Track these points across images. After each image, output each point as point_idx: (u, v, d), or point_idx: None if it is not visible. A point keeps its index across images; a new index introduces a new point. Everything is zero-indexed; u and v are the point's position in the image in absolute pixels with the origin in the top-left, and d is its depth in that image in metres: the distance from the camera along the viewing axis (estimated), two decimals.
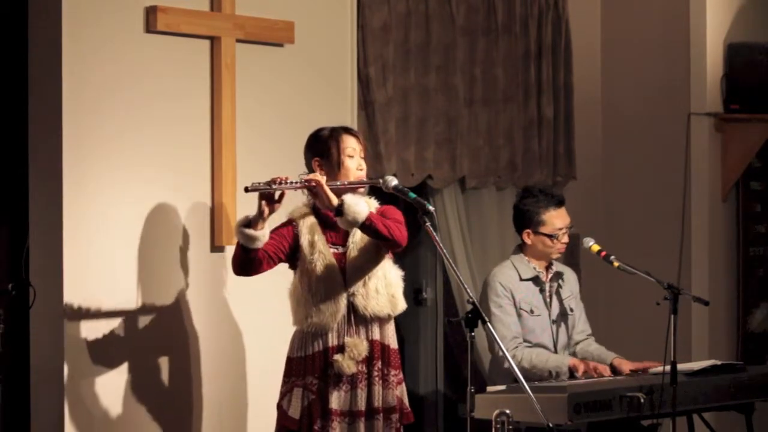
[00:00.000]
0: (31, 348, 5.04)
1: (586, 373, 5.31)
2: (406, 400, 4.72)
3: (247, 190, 4.48)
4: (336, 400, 4.56)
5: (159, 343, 5.13)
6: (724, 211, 6.94)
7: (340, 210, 4.46)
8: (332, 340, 4.59)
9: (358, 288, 4.60)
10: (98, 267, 4.96)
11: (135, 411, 5.05)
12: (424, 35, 6.24)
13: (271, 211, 4.52)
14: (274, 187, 4.47)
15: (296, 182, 4.52)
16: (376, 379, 4.62)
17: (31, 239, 5.04)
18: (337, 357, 4.56)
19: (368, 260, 4.62)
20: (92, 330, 4.94)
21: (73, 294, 4.89)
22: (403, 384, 4.73)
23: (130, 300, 5.04)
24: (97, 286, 4.95)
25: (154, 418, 5.11)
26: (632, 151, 7.07)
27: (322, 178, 4.53)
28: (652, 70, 6.99)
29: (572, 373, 5.35)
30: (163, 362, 5.14)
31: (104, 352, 4.97)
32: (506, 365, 5.22)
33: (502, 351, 4.28)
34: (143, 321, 5.07)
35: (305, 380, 4.60)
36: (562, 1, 6.80)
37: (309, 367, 4.60)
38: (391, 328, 4.71)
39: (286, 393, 4.64)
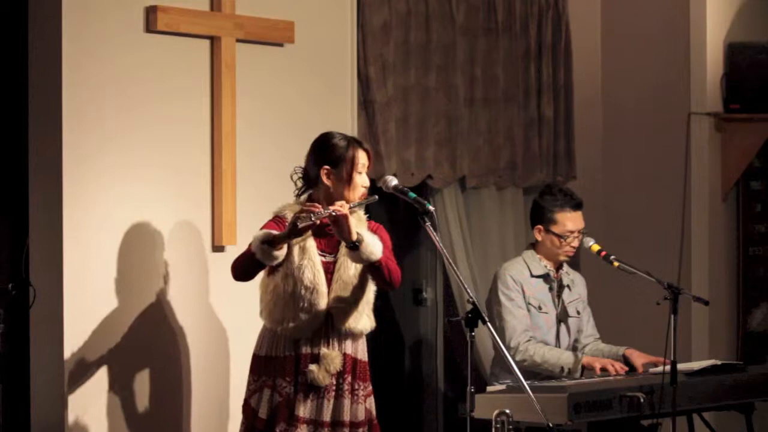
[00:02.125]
0: (31, 348, 5.04)
1: (603, 369, 5.32)
2: (374, 412, 4.69)
3: (298, 227, 4.39)
4: (302, 407, 4.53)
5: (159, 343, 5.13)
6: (724, 211, 6.94)
7: (356, 245, 4.45)
8: (305, 348, 4.56)
9: (339, 302, 4.58)
10: (98, 267, 4.96)
11: (136, 410, 5.05)
12: (424, 35, 6.23)
13: (298, 236, 4.47)
14: (313, 219, 4.38)
15: (325, 213, 4.43)
16: (346, 392, 4.59)
17: (31, 239, 5.04)
18: (313, 368, 4.54)
19: (355, 277, 4.59)
20: (92, 330, 4.94)
21: (73, 294, 4.89)
22: (372, 396, 4.70)
23: (130, 300, 5.04)
24: (97, 285, 4.95)
25: (156, 417, 5.11)
26: (632, 151, 7.06)
27: (348, 210, 4.46)
28: (652, 70, 6.99)
29: (584, 371, 5.35)
30: (163, 361, 5.14)
31: (104, 352, 4.97)
32: (515, 358, 5.24)
33: (502, 350, 4.28)
34: (143, 321, 5.07)
35: (275, 382, 4.57)
36: (562, 1, 6.80)
37: (279, 370, 4.57)
38: (362, 343, 4.68)
39: (255, 392, 4.60)
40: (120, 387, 5.02)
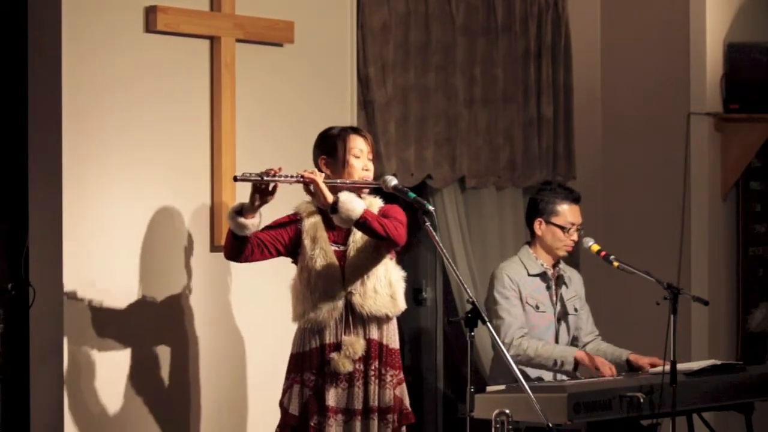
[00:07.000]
0: (30, 348, 5.04)
1: (596, 369, 5.31)
2: (406, 401, 4.71)
3: (236, 179, 4.48)
4: (333, 397, 4.57)
5: (159, 343, 5.13)
6: (724, 211, 6.94)
7: (334, 207, 4.48)
8: (329, 337, 4.59)
9: (356, 287, 4.60)
10: (98, 267, 4.96)
11: (135, 411, 5.05)
12: (424, 35, 6.24)
13: (263, 203, 4.53)
14: (265, 179, 4.47)
15: (291, 176, 4.51)
16: (373, 378, 4.61)
17: (31, 239, 5.04)
18: (334, 355, 4.57)
19: (367, 259, 4.63)
20: (92, 330, 4.94)
21: (73, 294, 4.90)
22: (404, 384, 4.73)
23: (130, 300, 5.04)
24: (96, 285, 4.95)
25: (154, 418, 5.11)
26: (632, 151, 7.07)
27: (320, 176, 4.53)
28: (652, 70, 6.99)
29: (577, 365, 5.35)
30: (163, 362, 5.14)
31: (104, 352, 4.97)
32: (509, 353, 5.22)
33: (501, 350, 4.27)
34: (143, 321, 5.07)
35: (303, 376, 4.61)
36: (561, 1, 6.80)
37: (306, 364, 4.61)
38: (391, 328, 4.70)
39: (286, 390, 4.66)
40: (120, 387, 5.02)
